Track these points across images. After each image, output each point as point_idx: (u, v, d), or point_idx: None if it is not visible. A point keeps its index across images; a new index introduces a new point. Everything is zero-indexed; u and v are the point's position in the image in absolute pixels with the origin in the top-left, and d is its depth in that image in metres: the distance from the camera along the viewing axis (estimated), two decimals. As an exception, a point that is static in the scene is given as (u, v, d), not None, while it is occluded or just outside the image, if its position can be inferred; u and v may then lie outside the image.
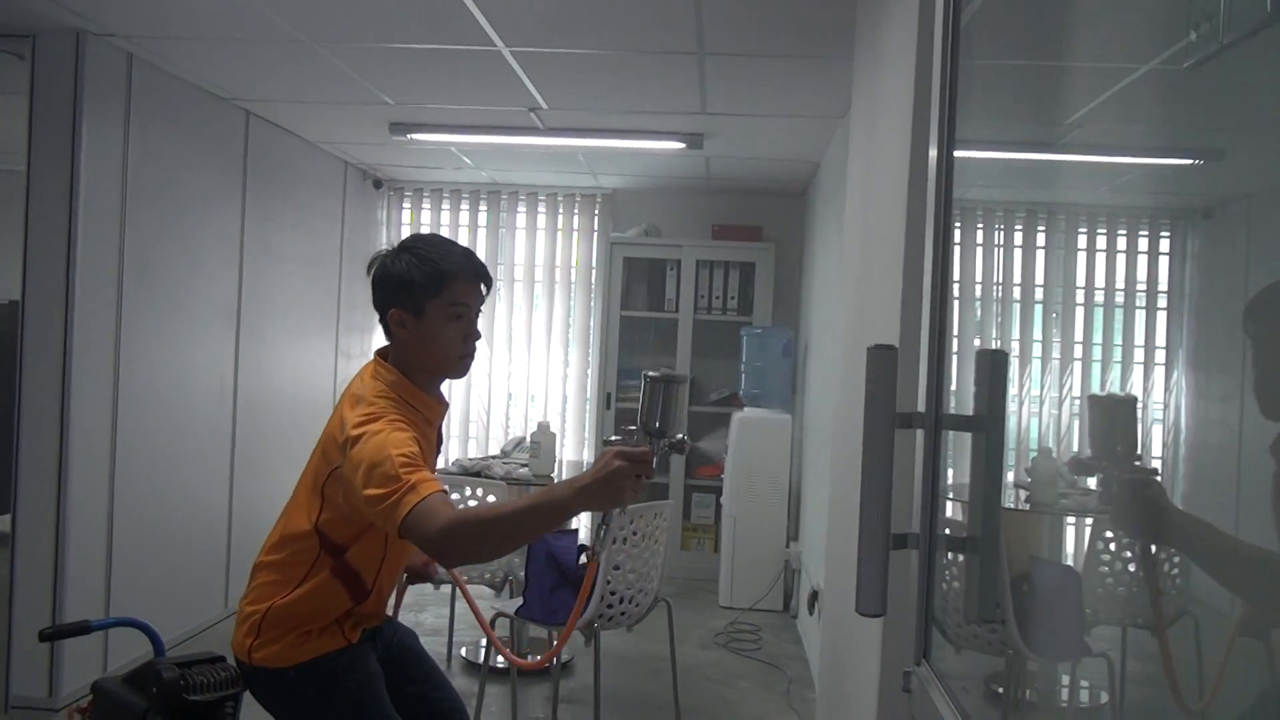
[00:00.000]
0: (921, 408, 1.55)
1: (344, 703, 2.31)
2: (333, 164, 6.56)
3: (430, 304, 2.26)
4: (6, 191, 4.06)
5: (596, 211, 7.20)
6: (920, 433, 1.54)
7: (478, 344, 2.42)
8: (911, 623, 1.51)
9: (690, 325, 6.86)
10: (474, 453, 6.95)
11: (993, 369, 1.51)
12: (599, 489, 1.91)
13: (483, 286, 2.36)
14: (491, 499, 4.43)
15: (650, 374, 2.12)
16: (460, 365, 2.37)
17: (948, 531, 1.56)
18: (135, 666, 2.43)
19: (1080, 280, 1.60)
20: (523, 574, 4.22)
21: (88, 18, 3.89)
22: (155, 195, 4.59)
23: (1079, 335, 1.59)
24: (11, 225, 4.12)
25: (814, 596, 4.93)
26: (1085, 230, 1.59)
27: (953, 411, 1.58)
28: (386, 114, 5.27)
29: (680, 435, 2.11)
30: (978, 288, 1.93)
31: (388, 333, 2.36)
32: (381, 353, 2.39)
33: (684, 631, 5.48)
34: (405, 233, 7.38)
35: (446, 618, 5.15)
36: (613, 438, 2.32)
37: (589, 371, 7.15)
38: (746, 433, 6.15)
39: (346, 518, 2.24)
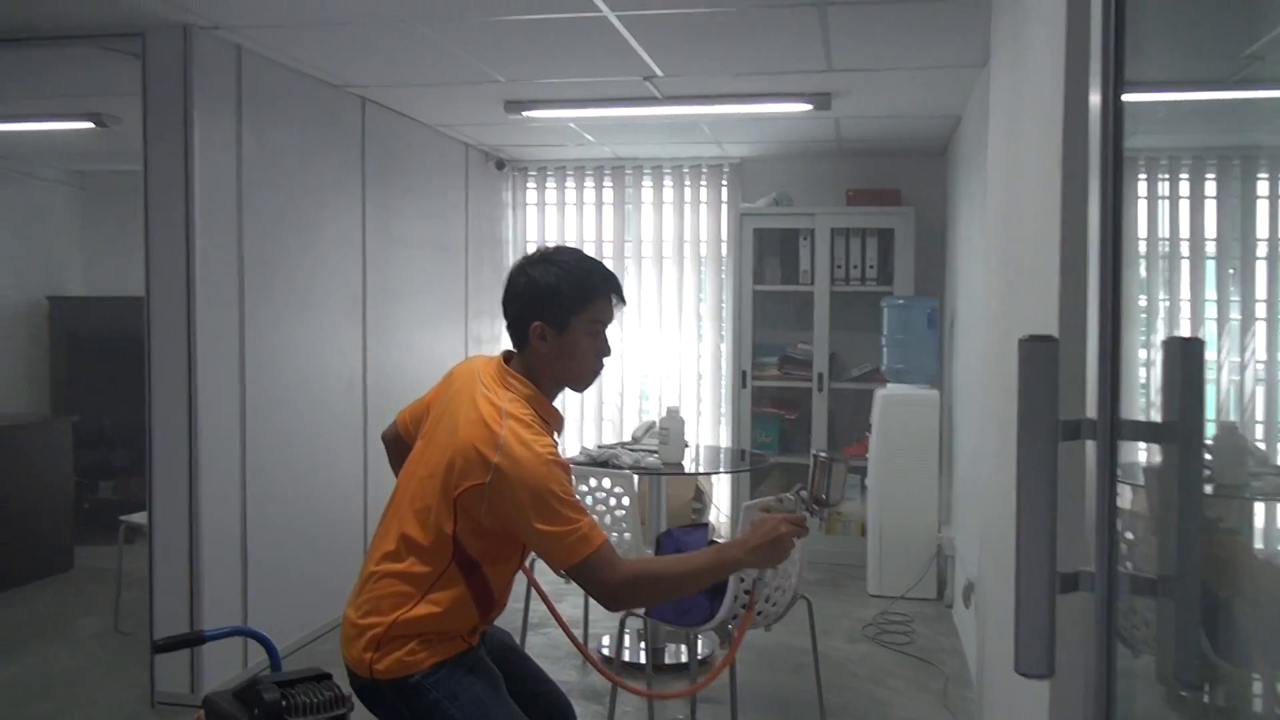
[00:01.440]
0: (1092, 413, 1.24)
1: (473, 705, 2.22)
2: (453, 147, 6.46)
3: (574, 319, 2.26)
4: (127, 190, 4.06)
5: (724, 182, 6.90)
6: (1092, 444, 1.24)
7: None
8: (1088, 685, 1.21)
9: (827, 298, 6.50)
10: (604, 439, 6.81)
11: (1186, 362, 1.20)
12: (768, 551, 2.19)
13: (616, 302, 2.36)
14: (620, 490, 4.24)
15: (820, 455, 2.51)
16: (590, 380, 2.39)
17: (1129, 567, 1.25)
18: (245, 680, 2.33)
19: (1262, 232, 1.44)
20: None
21: (195, 11, 3.83)
22: (272, 187, 4.55)
23: (1261, 293, 1.42)
24: (138, 223, 4.13)
25: (969, 589, 4.57)
26: (1266, 176, 1.44)
27: (1134, 418, 1.26)
28: (500, 92, 5.11)
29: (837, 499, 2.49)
30: (1141, 245, 1.63)
31: (519, 343, 2.33)
32: (506, 357, 2.36)
33: (829, 623, 5.19)
34: (531, 214, 7.28)
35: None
36: (766, 499, 3.03)
37: (722, 349, 6.89)
38: (891, 410, 5.78)
39: (483, 532, 2.19)
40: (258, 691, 2.24)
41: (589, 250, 6.48)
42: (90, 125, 5.62)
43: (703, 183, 6.94)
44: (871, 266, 6.50)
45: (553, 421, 2.31)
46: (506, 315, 2.34)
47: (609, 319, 2.33)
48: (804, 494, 2.54)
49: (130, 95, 4.07)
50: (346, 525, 5.23)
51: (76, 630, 5.01)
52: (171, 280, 4.03)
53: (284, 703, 2.22)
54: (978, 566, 4.07)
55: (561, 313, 2.25)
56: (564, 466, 2.16)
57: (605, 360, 2.38)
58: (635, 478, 4.35)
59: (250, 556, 4.38)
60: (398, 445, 2.56)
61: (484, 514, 2.15)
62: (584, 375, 2.34)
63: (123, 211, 4.10)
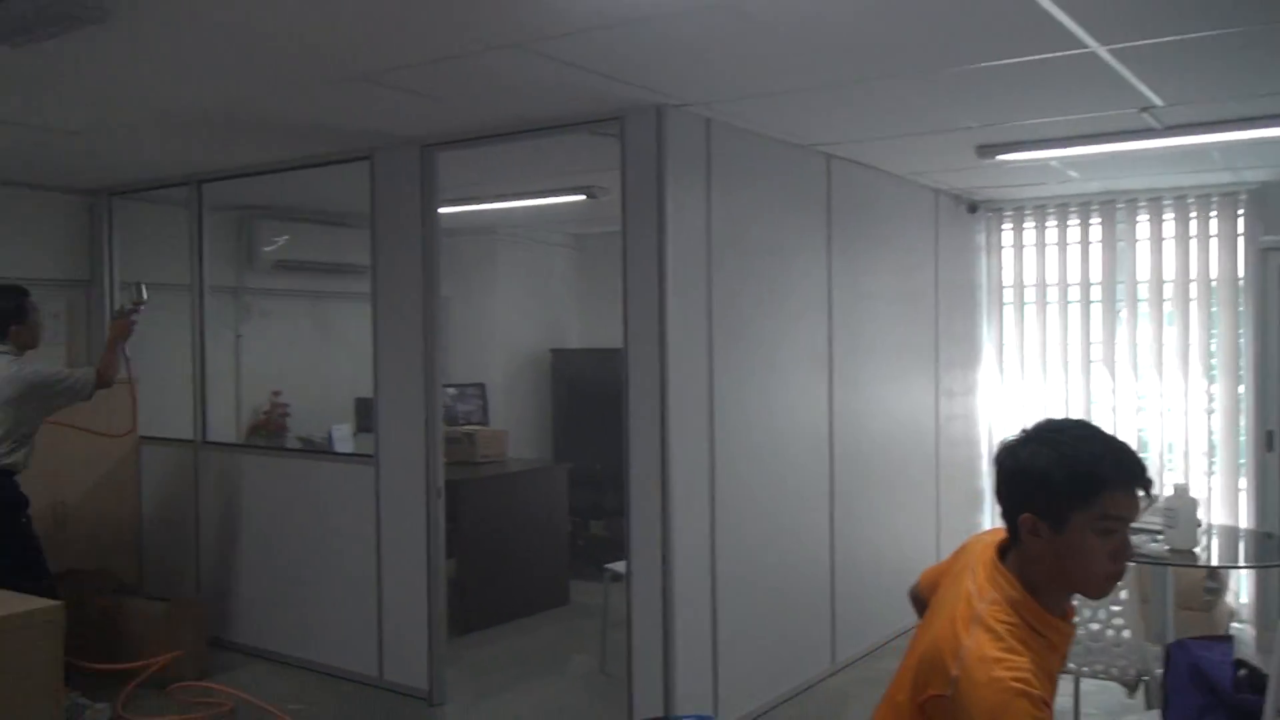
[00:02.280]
0: None
1: None
2: (921, 194, 6.22)
3: (1074, 515, 1.81)
4: (616, 250, 4.34)
5: (1240, 212, 5.97)
6: None
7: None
8: None
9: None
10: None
11: None
12: None
13: (1142, 493, 1.85)
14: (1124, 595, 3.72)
15: None
16: (1104, 586, 1.91)
17: None
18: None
19: None
20: (1159, 674, 3.49)
21: (668, 94, 4.02)
22: (739, 247, 4.63)
23: None
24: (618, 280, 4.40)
25: None
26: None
27: None
28: (971, 138, 4.81)
29: None
30: None
31: (1013, 535, 1.92)
32: (1001, 549, 1.96)
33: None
34: (1007, 257, 6.81)
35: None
36: None
37: (1241, 406, 5.93)
38: None
39: None
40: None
41: (1074, 294, 5.88)
42: (583, 197, 6.16)
43: (1212, 214, 6.05)
44: None
45: (1049, 634, 1.87)
46: (997, 499, 1.95)
47: (1128, 515, 1.85)
48: None
49: (613, 169, 4.36)
50: (813, 586, 5.18)
51: (568, 668, 5.42)
52: (647, 335, 4.23)
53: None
54: None
55: (1057, 507, 1.81)
56: (1035, 700, 1.72)
57: (1125, 563, 1.88)
58: (1137, 568, 3.82)
59: (719, 608, 4.46)
60: (918, 606, 2.25)
61: None
62: (1092, 582, 1.87)
63: (610, 269, 4.39)
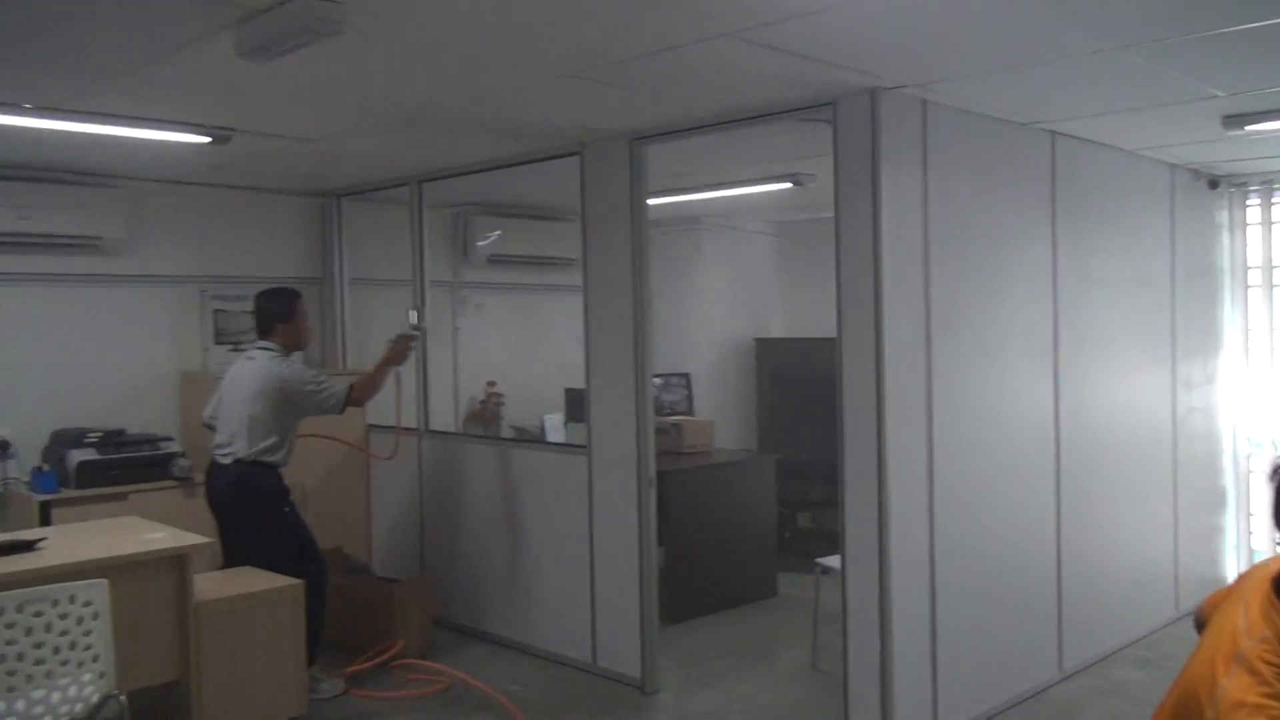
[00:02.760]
0: None
1: None
2: (1156, 170, 5.80)
3: None
4: (820, 236, 4.23)
5: None
6: None
7: None
8: None
9: None
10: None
11: None
12: None
13: None
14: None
15: None
16: None
17: None
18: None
19: None
20: None
21: (882, 76, 3.90)
22: (957, 235, 4.44)
23: None
24: (828, 267, 4.28)
25: None
26: None
27: None
28: (1216, 107, 4.44)
29: None
30: None
31: None
32: (1277, 584, 1.74)
33: None
34: (1253, 236, 6.27)
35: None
36: None
37: None
38: None
39: None
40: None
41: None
42: (789, 185, 6.07)
43: None
44: None
45: None
46: (1276, 523, 1.76)
47: None
48: None
49: (821, 156, 4.27)
50: (1038, 588, 4.93)
51: (779, 662, 5.37)
52: (861, 324, 4.11)
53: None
54: None
55: None
56: None
57: None
58: None
59: (939, 607, 4.31)
60: (1200, 630, 2.06)
61: None
62: None
63: (815, 257, 4.31)
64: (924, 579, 4.27)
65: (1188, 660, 1.89)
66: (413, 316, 5.31)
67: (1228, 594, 1.92)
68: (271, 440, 4.79)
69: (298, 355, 5.06)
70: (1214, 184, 6.20)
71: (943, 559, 4.32)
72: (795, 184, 6.05)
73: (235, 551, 4.78)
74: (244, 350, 5.18)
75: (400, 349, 5.12)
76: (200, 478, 5.26)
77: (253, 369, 4.84)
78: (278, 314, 4.94)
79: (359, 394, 4.94)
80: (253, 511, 4.79)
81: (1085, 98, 4.33)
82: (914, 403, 4.24)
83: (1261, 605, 1.70)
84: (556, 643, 5.34)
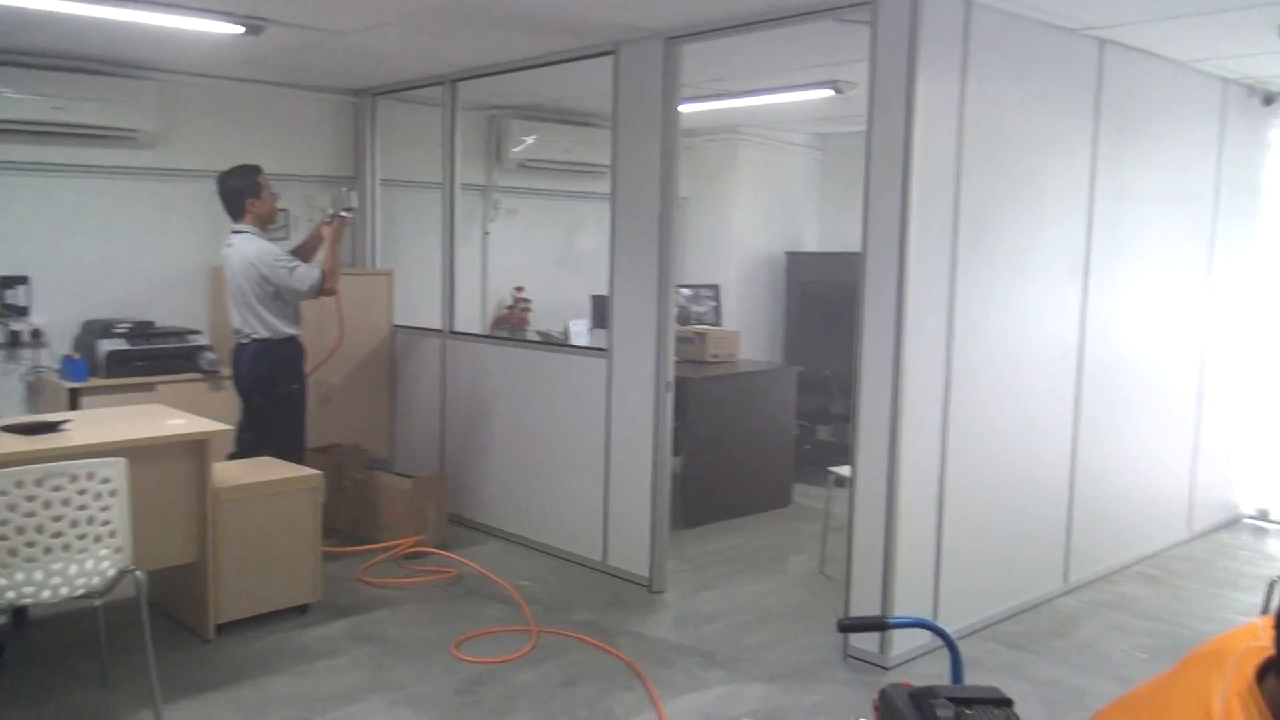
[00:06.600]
0: None
1: None
2: (1208, 84, 5.58)
3: None
4: (861, 150, 4.12)
5: None
6: None
7: None
8: None
9: None
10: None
11: None
12: None
13: None
14: None
15: None
16: None
17: None
18: (925, 687, 2.22)
19: None
20: None
21: (920, -30, 3.74)
22: (993, 146, 4.32)
23: None
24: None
25: None
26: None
27: None
28: (1273, 15, 4.23)
29: None
30: None
31: None
32: (1263, 669, 1.64)
33: None
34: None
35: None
36: None
37: None
38: None
39: None
40: (933, 705, 2.11)
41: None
42: (830, 93, 5.92)
43: None
44: None
45: None
46: (1277, 625, 1.64)
47: None
48: None
49: (863, 61, 4.12)
50: (1048, 500, 4.92)
51: (787, 567, 5.42)
52: (886, 236, 4.02)
53: (960, 726, 2.06)
54: None
55: None
56: None
57: None
58: None
59: (945, 519, 4.30)
60: None
61: None
62: None
63: (855, 170, 4.17)
64: (932, 490, 4.25)
65: (1150, 689, 1.83)
66: (352, 199, 5.22)
67: (1215, 647, 1.83)
68: (277, 315, 4.94)
69: (278, 248, 5.05)
70: (1269, 100, 5.96)
71: (953, 472, 4.29)
72: (836, 91, 5.90)
73: (244, 420, 4.98)
74: (226, 241, 5.11)
75: (339, 228, 5.11)
76: (227, 370, 5.33)
77: (237, 255, 4.91)
78: (247, 191, 4.95)
79: (330, 282, 4.99)
80: (264, 378, 4.96)
81: (1137, 3, 4.14)
82: (935, 317, 4.17)
83: (1240, 693, 1.62)
84: (569, 541, 5.41)
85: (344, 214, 5.15)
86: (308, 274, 4.93)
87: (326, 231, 5.13)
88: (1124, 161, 5.04)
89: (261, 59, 5.54)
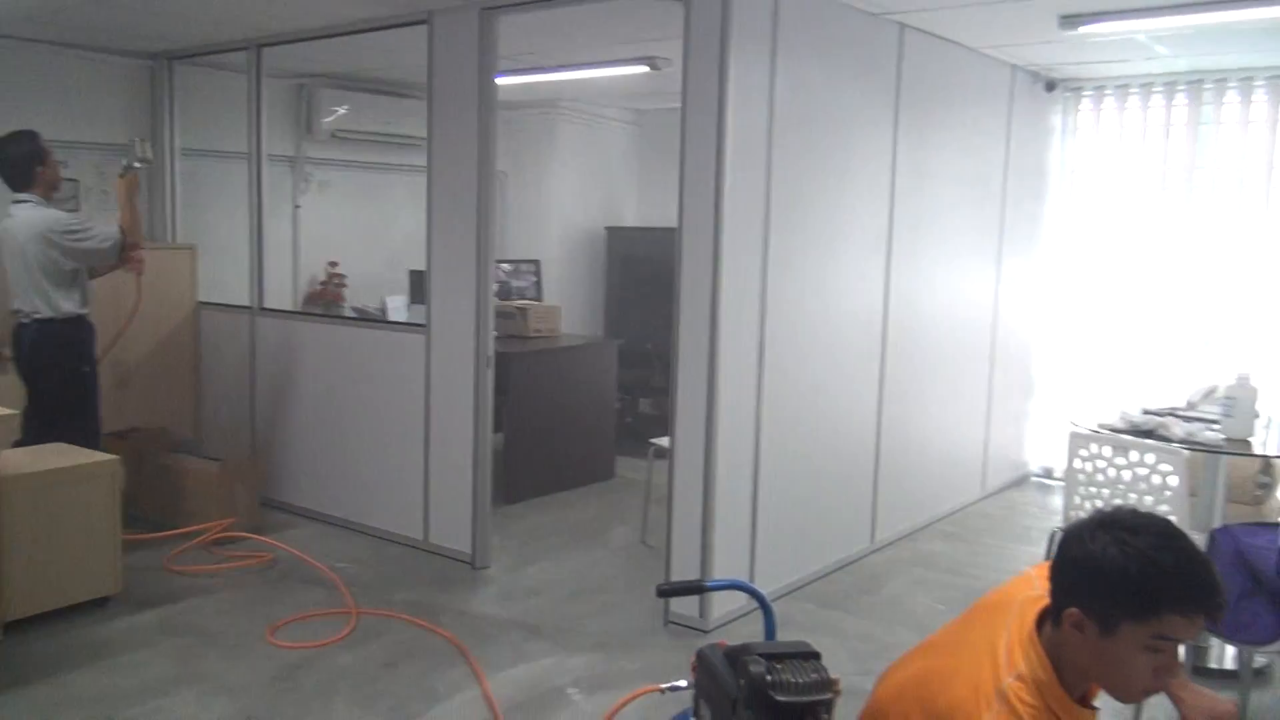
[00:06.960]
0: None
1: None
2: (997, 70, 5.94)
3: (1126, 626, 1.66)
4: (678, 126, 4.19)
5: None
6: None
7: None
8: None
9: None
10: (1149, 401, 5.99)
11: None
12: None
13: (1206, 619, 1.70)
14: (1167, 468, 3.65)
15: None
16: (1137, 699, 1.81)
17: None
18: (739, 645, 2.30)
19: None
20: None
21: (729, -50, 3.82)
22: (802, 124, 4.47)
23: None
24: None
25: None
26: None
27: None
28: (1055, 5, 4.54)
29: None
30: None
31: (1055, 617, 1.78)
32: (1041, 617, 1.82)
33: None
34: (1084, 142, 6.52)
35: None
36: None
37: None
38: None
39: None
40: (745, 662, 2.19)
41: (1154, 181, 5.57)
42: (646, 69, 5.98)
43: (1310, 97, 5.71)
44: None
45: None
46: (1050, 576, 1.79)
47: (1184, 639, 1.70)
48: None
49: (678, 39, 4.17)
50: (856, 464, 5.17)
51: (610, 539, 5.49)
52: (701, 212, 4.11)
53: (769, 678, 2.15)
54: None
55: (1111, 611, 1.66)
56: None
57: (1168, 680, 1.76)
58: (1187, 455, 3.71)
59: (760, 485, 4.45)
60: None
61: None
62: (1128, 692, 1.75)
63: (672, 146, 4.24)
64: (748, 459, 4.39)
65: (942, 637, 1.99)
66: (146, 149, 4.92)
67: (998, 597, 2.00)
68: (65, 292, 4.63)
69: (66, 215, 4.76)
70: (1050, 86, 6.40)
71: (768, 439, 4.45)
72: (651, 67, 5.95)
73: (30, 406, 4.62)
74: (7, 213, 4.73)
75: (134, 182, 4.83)
76: (9, 352, 4.95)
77: (22, 226, 4.58)
78: (34, 155, 4.62)
79: (133, 236, 4.73)
80: (48, 361, 4.66)
81: (933, -12, 4.37)
82: (748, 290, 4.29)
83: (1021, 640, 1.79)
84: (389, 521, 5.31)
85: (136, 164, 4.82)
86: (107, 231, 4.65)
87: (120, 185, 4.82)
88: (922, 142, 5.31)
89: (42, 16, 5.14)
